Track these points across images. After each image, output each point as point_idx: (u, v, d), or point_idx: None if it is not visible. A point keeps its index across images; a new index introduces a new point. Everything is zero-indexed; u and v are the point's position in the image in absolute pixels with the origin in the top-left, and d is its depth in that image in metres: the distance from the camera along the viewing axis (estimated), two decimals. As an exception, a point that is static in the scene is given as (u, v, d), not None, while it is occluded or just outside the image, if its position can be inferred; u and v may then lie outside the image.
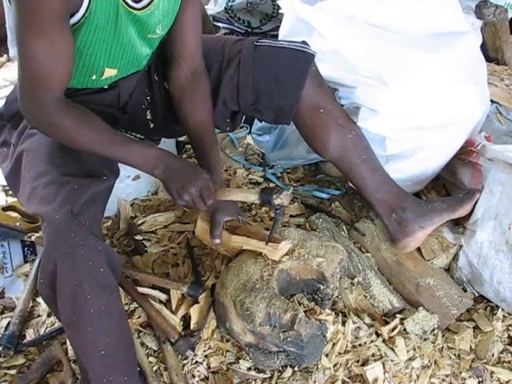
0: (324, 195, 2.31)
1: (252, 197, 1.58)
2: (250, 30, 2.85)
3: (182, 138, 2.51)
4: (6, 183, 2.08)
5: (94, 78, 1.62)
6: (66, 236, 1.42)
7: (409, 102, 1.94)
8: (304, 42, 1.87)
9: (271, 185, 2.39)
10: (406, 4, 2.02)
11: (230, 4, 2.80)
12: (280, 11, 2.09)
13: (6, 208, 2.18)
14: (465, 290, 1.96)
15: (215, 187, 1.58)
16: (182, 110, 1.82)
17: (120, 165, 1.77)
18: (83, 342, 1.44)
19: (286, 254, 1.76)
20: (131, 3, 1.48)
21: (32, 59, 1.40)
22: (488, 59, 2.55)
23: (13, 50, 1.67)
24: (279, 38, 2.02)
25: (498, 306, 1.91)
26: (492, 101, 2.29)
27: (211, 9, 2.87)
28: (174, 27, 1.68)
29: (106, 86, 1.73)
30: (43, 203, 1.50)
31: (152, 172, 1.60)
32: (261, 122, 2.48)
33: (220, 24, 2.94)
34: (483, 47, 2.42)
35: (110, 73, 1.64)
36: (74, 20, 1.41)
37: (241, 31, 2.89)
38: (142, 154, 1.55)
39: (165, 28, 1.65)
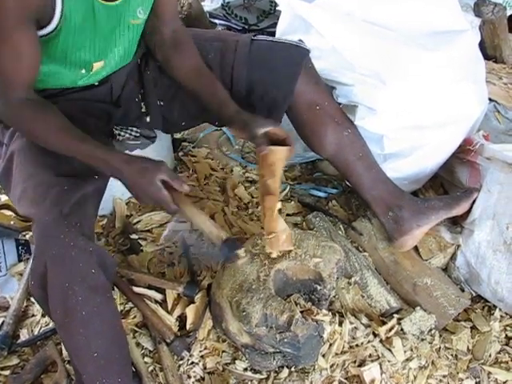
0: (321, 194, 2.32)
1: (214, 237, 1.57)
2: (246, 27, 2.86)
3: (178, 136, 2.51)
4: None
5: (83, 72, 1.64)
6: (55, 237, 1.42)
7: (407, 101, 1.94)
8: (300, 40, 1.88)
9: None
10: (404, 2, 2.03)
11: (226, 1, 2.81)
12: (277, 8, 2.09)
13: (0, 206, 2.16)
14: (462, 290, 1.96)
15: (175, 192, 1.52)
16: (172, 64, 1.83)
17: None
18: (76, 343, 1.44)
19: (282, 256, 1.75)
20: None
21: None
22: (486, 57, 2.56)
23: None
24: (276, 36, 2.03)
25: (495, 306, 1.91)
26: (490, 99, 2.33)
27: (208, 5, 2.88)
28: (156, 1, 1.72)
29: (96, 83, 1.74)
30: (33, 204, 1.50)
31: (113, 177, 1.57)
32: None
33: (217, 21, 2.95)
34: (481, 45, 2.42)
35: (99, 65, 1.66)
36: (50, 28, 1.45)
37: (238, 28, 2.90)
38: (95, 156, 1.51)
39: (146, 10, 1.67)
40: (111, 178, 1.67)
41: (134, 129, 1.96)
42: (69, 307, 1.40)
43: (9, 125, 1.64)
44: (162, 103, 1.89)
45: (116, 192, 2.17)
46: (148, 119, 1.95)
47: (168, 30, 1.82)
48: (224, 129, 2.57)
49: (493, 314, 1.89)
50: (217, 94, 1.75)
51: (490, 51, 2.62)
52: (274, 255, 1.72)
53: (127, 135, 1.92)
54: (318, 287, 1.77)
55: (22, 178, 1.59)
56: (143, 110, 1.93)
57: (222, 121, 1.85)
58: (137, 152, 1.92)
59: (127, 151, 1.96)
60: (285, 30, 2.04)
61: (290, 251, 1.77)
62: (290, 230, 1.77)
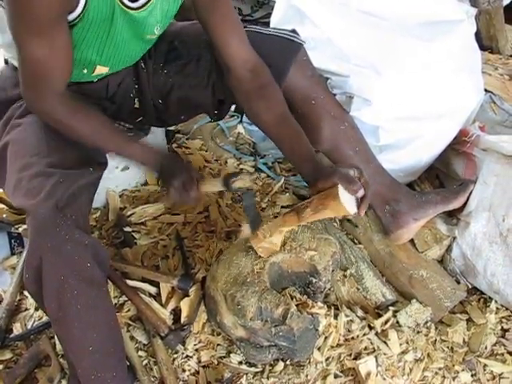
0: None
1: (219, 185, 1.63)
2: (240, 17, 2.78)
3: (171, 128, 2.51)
4: None
5: (85, 71, 1.63)
6: (51, 230, 1.42)
7: (402, 92, 1.95)
8: (293, 31, 1.83)
9: (262, 175, 2.38)
10: None
11: None
12: None
13: None
14: (458, 282, 1.97)
15: (199, 178, 1.61)
16: (254, 110, 1.75)
17: (108, 156, 1.78)
18: (71, 337, 1.45)
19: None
20: (127, 2, 1.49)
21: (32, 58, 1.44)
22: (482, 48, 2.54)
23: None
24: (271, 26, 2.02)
25: (491, 298, 1.92)
26: (486, 90, 2.29)
27: None
28: (210, 34, 1.66)
29: (95, 80, 1.74)
30: (28, 196, 1.50)
31: (149, 168, 1.76)
32: None
33: None
34: (477, 35, 2.41)
35: (102, 70, 1.66)
36: (70, 17, 1.43)
37: None
38: (140, 151, 1.61)
39: (163, 28, 1.66)
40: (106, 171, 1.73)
41: (128, 121, 1.97)
42: (64, 301, 1.41)
43: (46, 120, 1.62)
44: (159, 101, 1.88)
45: (109, 184, 2.20)
46: (140, 114, 1.95)
47: (242, 70, 1.72)
48: (220, 122, 2.57)
49: (489, 306, 1.90)
50: (301, 148, 1.70)
51: (485, 42, 2.63)
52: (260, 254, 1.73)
53: (120, 127, 1.93)
54: (314, 280, 1.77)
55: (16, 168, 1.59)
56: (136, 105, 1.92)
57: (302, 175, 1.73)
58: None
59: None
60: (279, 21, 2.04)
61: (285, 243, 1.77)
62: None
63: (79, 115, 1.56)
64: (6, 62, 1.80)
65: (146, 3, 1.53)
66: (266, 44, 1.77)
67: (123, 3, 1.48)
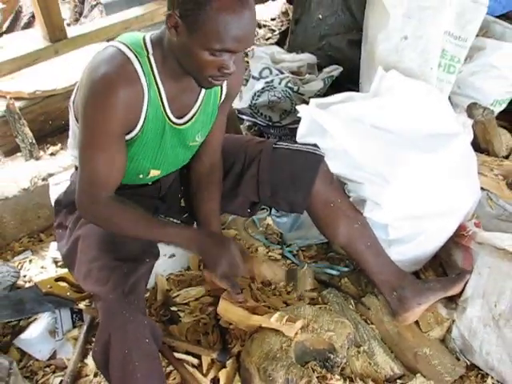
0: (334, 272, 2.39)
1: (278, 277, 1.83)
2: (270, 124, 2.95)
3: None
4: (56, 256, 2.31)
5: (141, 176, 1.84)
6: (118, 313, 1.61)
7: (408, 196, 2.05)
8: (315, 145, 2.03)
9: (288, 261, 2.47)
10: (405, 109, 2.15)
11: (253, 102, 2.93)
12: (297, 109, 2.16)
13: (57, 279, 2.25)
14: (458, 359, 2.03)
15: (246, 256, 1.79)
16: (198, 196, 1.98)
17: (159, 245, 1.94)
18: None
19: (300, 330, 1.89)
20: (175, 120, 1.73)
21: (92, 168, 1.63)
22: (480, 150, 2.67)
23: (72, 151, 1.93)
24: (297, 138, 2.12)
25: (488, 374, 1.98)
26: (482, 188, 2.38)
27: (237, 103, 2.97)
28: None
29: (150, 183, 1.94)
30: (98, 284, 1.69)
31: (188, 249, 1.84)
32: (277, 211, 2.64)
33: (244, 117, 3.05)
34: (475, 140, 2.53)
35: (155, 173, 1.85)
36: (129, 137, 1.66)
37: (263, 124, 3.00)
38: (178, 234, 1.74)
39: (203, 135, 1.87)
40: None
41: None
42: (127, 370, 1.57)
43: (93, 220, 1.75)
44: None
45: (158, 269, 2.26)
46: (186, 211, 2.11)
47: (207, 163, 1.98)
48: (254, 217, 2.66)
49: (485, 381, 1.97)
50: (210, 207, 1.96)
51: (482, 145, 2.70)
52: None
53: (167, 220, 2.04)
54: (332, 356, 1.89)
55: (86, 259, 1.76)
56: (182, 204, 2.10)
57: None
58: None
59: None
60: (304, 133, 2.12)
61: (308, 325, 1.91)
62: (306, 306, 1.97)
63: (122, 213, 1.70)
64: (77, 168, 1.93)
65: (189, 119, 1.76)
66: (294, 158, 1.98)
67: (172, 121, 1.71)
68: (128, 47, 1.58)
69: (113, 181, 1.69)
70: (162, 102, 1.67)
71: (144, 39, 1.62)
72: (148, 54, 1.60)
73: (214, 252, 1.75)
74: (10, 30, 3.79)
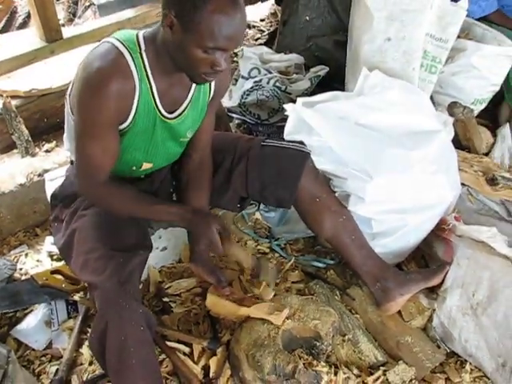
0: (321, 264, 2.44)
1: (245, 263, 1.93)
2: (259, 122, 3.01)
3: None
4: (51, 250, 2.36)
5: (134, 169, 1.89)
6: (115, 301, 1.65)
7: (390, 191, 2.10)
8: (301, 142, 2.09)
9: (276, 255, 2.52)
10: (388, 108, 2.20)
11: (243, 101, 2.99)
12: (284, 108, 2.23)
13: (54, 271, 2.31)
14: (438, 347, 2.09)
15: (224, 236, 1.85)
16: (187, 193, 2.03)
17: (152, 238, 1.99)
18: None
19: (287, 318, 1.95)
20: (165, 114, 1.78)
21: (88, 154, 1.71)
22: (461, 147, 2.76)
23: (67, 145, 1.98)
24: (284, 136, 2.18)
25: (466, 361, 2.05)
26: (463, 184, 2.45)
27: (226, 102, 3.04)
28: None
29: (142, 176, 1.99)
30: (95, 274, 1.73)
31: (178, 225, 1.93)
32: (266, 206, 2.69)
33: (234, 115, 3.09)
34: (456, 137, 2.60)
35: (147, 166, 1.91)
36: (121, 127, 1.72)
37: (252, 122, 3.05)
38: (166, 211, 1.84)
39: (194, 131, 1.92)
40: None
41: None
42: (123, 356, 1.61)
43: (92, 202, 1.86)
44: None
45: (151, 261, 2.27)
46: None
47: (196, 159, 2.02)
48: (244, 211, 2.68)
49: (464, 367, 2.03)
50: (199, 203, 2.00)
51: (463, 142, 2.76)
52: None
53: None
54: (317, 343, 1.94)
55: (83, 251, 1.80)
56: (174, 198, 2.15)
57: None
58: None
59: (161, 228, 2.25)
60: (291, 131, 2.18)
61: (294, 314, 1.97)
62: (292, 296, 2.03)
63: (117, 193, 1.79)
64: (72, 163, 2.03)
65: (179, 114, 1.81)
66: (281, 155, 2.03)
67: (162, 115, 1.77)
68: (122, 43, 1.65)
69: (107, 165, 1.75)
70: (153, 96, 1.71)
71: (137, 36, 1.69)
72: (140, 50, 1.66)
73: (197, 230, 1.85)
74: (4, 29, 3.82)
